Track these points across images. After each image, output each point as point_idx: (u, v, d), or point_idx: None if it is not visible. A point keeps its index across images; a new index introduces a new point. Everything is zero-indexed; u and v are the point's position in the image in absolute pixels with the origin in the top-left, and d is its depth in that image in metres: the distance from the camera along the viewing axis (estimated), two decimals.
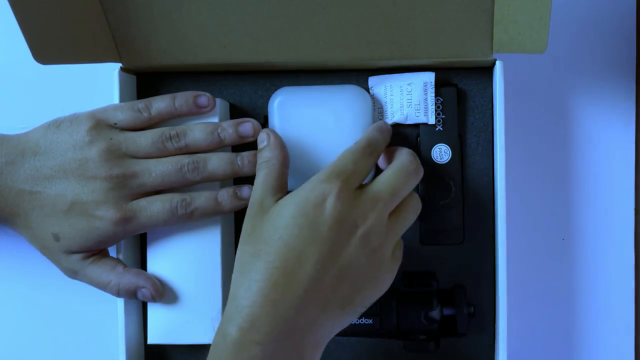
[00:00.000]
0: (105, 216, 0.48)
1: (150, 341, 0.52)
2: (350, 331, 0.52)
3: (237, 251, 0.45)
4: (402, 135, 0.54)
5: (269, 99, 0.53)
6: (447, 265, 0.54)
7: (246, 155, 0.50)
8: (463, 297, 0.52)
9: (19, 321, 0.59)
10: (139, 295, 0.50)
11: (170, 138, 0.49)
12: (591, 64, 0.58)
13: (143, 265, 0.54)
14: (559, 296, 0.58)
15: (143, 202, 0.48)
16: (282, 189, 0.47)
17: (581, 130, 0.58)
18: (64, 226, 0.48)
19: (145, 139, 0.49)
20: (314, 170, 0.52)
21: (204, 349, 0.54)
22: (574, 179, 0.58)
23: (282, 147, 0.48)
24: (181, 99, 0.50)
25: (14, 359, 0.59)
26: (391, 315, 0.52)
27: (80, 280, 0.51)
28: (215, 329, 0.44)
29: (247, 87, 0.54)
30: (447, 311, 0.52)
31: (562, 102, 0.58)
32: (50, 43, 0.48)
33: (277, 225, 0.43)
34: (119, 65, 0.51)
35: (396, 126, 0.53)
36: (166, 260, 0.51)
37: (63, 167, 0.48)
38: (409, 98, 0.52)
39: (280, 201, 0.45)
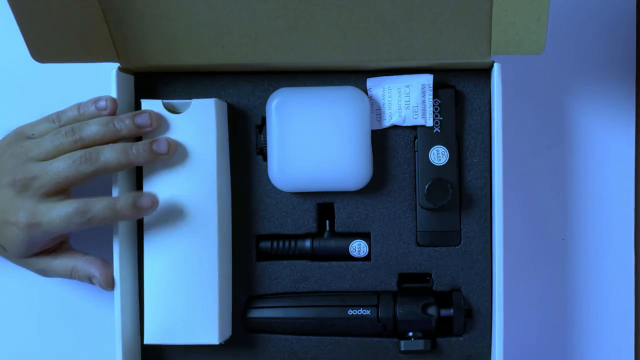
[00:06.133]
0: (16, 222, 0.48)
1: (147, 341, 0.52)
2: (347, 324, 0.52)
3: None
4: (400, 137, 0.54)
5: (267, 99, 0.53)
6: (445, 267, 0.54)
7: (141, 144, 0.50)
8: (460, 299, 0.52)
9: (15, 321, 0.59)
10: (95, 282, 0.51)
11: (66, 134, 0.49)
12: (590, 64, 0.58)
13: (140, 266, 0.54)
14: (559, 296, 0.58)
15: (44, 208, 0.49)
16: None
17: (580, 131, 0.58)
18: (1, 237, 0.50)
19: (46, 141, 0.50)
20: (311, 171, 0.52)
21: (200, 349, 0.54)
22: (574, 180, 0.58)
23: None
24: (85, 105, 0.51)
25: (11, 358, 0.59)
26: (388, 307, 0.52)
27: (52, 276, 0.52)
28: None
29: (245, 87, 0.54)
30: (444, 312, 0.52)
31: (560, 104, 0.58)
32: (48, 42, 0.48)
33: None
34: (117, 65, 0.51)
35: (394, 128, 0.54)
36: (163, 261, 0.51)
37: None
38: (406, 100, 0.52)
39: None
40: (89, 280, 0.52)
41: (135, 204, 0.49)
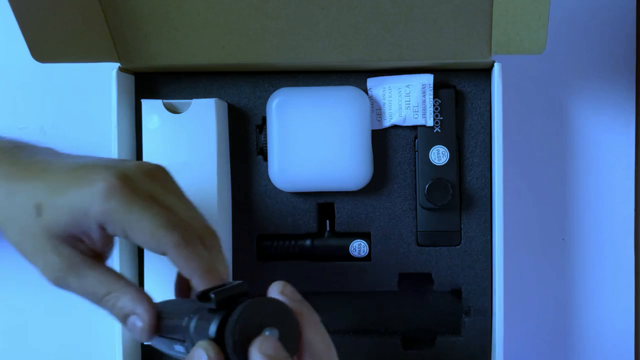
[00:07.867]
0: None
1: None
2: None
3: None
4: (400, 137, 0.54)
5: (267, 99, 0.53)
6: (445, 267, 0.54)
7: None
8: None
9: (16, 321, 0.59)
10: (129, 323, 0.40)
11: None
12: (591, 64, 0.58)
13: (140, 266, 0.54)
14: (559, 296, 0.58)
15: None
16: None
17: (580, 131, 0.58)
18: None
19: None
20: (311, 171, 0.52)
21: None
22: (574, 180, 0.58)
23: None
24: None
25: (12, 358, 0.59)
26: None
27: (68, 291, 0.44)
28: None
29: (246, 87, 0.54)
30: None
31: (561, 103, 0.58)
32: (49, 41, 0.48)
33: None
34: (117, 65, 0.51)
35: (394, 128, 0.54)
36: (163, 260, 0.51)
37: None
38: (407, 100, 0.52)
39: None
40: (124, 318, 0.40)
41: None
